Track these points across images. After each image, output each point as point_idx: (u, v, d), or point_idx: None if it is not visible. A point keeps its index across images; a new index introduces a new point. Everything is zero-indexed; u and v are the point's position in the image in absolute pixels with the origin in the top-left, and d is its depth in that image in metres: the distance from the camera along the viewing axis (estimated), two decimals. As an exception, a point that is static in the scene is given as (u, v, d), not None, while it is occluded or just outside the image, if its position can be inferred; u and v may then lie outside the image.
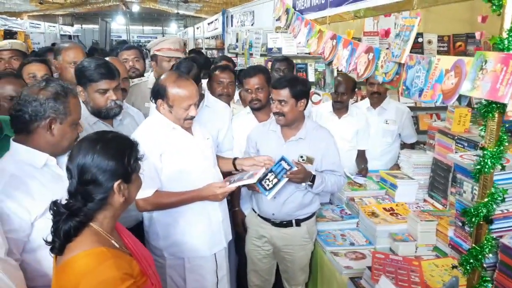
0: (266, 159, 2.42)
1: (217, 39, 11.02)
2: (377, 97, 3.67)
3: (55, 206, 1.39)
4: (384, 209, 2.72)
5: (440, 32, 4.93)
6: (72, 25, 24.54)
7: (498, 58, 1.33)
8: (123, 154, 1.43)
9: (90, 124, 2.37)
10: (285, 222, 2.61)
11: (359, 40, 4.08)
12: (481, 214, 1.49)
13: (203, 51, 10.23)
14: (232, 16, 8.80)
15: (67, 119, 1.76)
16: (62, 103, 1.74)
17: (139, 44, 18.93)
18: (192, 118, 2.28)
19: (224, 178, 2.45)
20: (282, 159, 2.38)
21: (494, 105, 1.39)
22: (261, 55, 5.55)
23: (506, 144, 1.43)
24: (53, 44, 5.12)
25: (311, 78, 4.78)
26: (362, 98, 4.26)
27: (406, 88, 1.86)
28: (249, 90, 2.92)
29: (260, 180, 2.37)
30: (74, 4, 16.87)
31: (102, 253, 1.34)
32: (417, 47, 4.70)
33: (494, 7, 1.39)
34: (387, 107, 3.71)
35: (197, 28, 14.82)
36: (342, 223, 2.79)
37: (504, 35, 1.34)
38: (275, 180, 2.35)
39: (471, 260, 1.54)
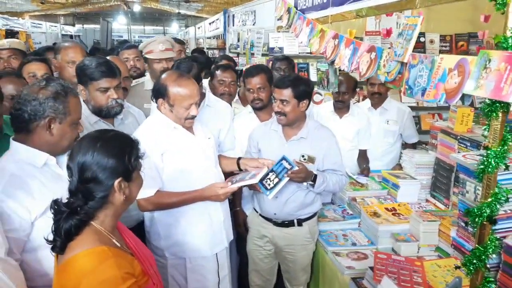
0: (270, 163, 2.41)
1: (218, 39, 11.02)
2: (377, 98, 3.66)
3: (56, 205, 1.39)
4: (386, 209, 2.71)
5: (442, 31, 4.92)
6: (73, 25, 24.57)
7: (502, 57, 1.31)
8: (123, 152, 1.43)
9: (91, 124, 2.37)
10: (286, 222, 2.60)
11: (361, 39, 4.08)
12: (485, 214, 1.48)
13: (204, 51, 10.22)
14: (233, 16, 8.80)
15: (67, 118, 1.75)
16: (62, 102, 1.73)
17: (141, 44, 18.86)
18: (193, 117, 2.28)
19: (225, 178, 2.45)
20: (283, 158, 2.37)
21: (498, 104, 1.38)
22: (263, 54, 5.55)
23: (510, 143, 1.41)
24: (54, 44, 5.11)
25: (313, 77, 4.77)
26: (364, 98, 4.25)
27: (408, 88, 1.85)
28: (251, 90, 2.91)
29: (261, 180, 2.36)
30: (75, 4, 16.90)
31: (103, 252, 1.33)
32: (419, 47, 4.69)
33: (498, 5, 1.38)
34: (388, 107, 3.70)
35: (199, 28, 14.83)
36: (344, 223, 2.78)
37: (508, 33, 1.33)
38: (276, 180, 2.34)
39: (474, 261, 1.53)
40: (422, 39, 4.77)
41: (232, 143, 2.94)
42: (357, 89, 3.76)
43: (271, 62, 4.52)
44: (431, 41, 4.88)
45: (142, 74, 3.72)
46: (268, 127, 2.68)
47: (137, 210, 2.44)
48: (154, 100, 2.32)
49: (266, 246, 2.68)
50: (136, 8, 21.02)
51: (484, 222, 1.50)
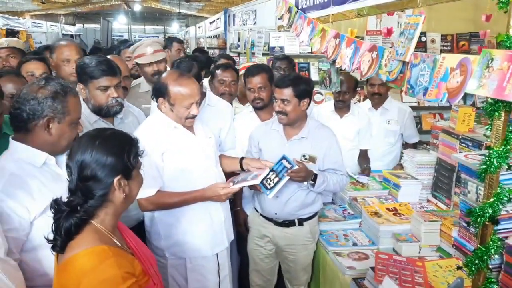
0: (272, 165, 2.40)
1: (219, 38, 11.00)
2: (377, 98, 3.66)
3: (56, 204, 1.39)
4: (387, 209, 2.70)
5: (444, 31, 4.91)
6: (74, 24, 24.53)
7: (505, 56, 1.30)
8: (122, 150, 1.43)
9: (90, 123, 2.36)
10: (287, 222, 2.59)
11: (362, 39, 4.06)
12: (487, 214, 1.47)
13: (206, 50, 10.20)
14: (234, 15, 8.79)
15: (66, 118, 1.75)
16: (61, 102, 1.72)
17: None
18: (193, 117, 2.27)
19: (226, 178, 2.44)
20: (283, 157, 2.36)
21: (500, 103, 1.37)
22: (263, 54, 5.53)
23: (513, 143, 1.41)
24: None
25: (314, 77, 4.77)
26: (365, 98, 4.25)
27: (410, 87, 1.84)
28: (252, 89, 2.91)
29: (261, 180, 2.35)
30: (76, 3, 16.90)
31: (103, 251, 1.33)
32: (420, 46, 4.68)
33: (500, 4, 1.37)
34: (389, 107, 3.70)
35: (199, 27, 14.81)
36: (345, 223, 2.77)
37: (511, 32, 1.32)
38: (276, 179, 2.33)
39: (476, 261, 1.52)
40: (423, 39, 4.77)
41: (233, 142, 2.93)
42: (358, 89, 3.74)
43: (271, 61, 4.51)
44: (432, 41, 4.87)
45: None
46: (269, 126, 2.67)
47: (137, 210, 2.43)
48: (154, 99, 2.31)
49: (267, 246, 2.68)
50: (137, 7, 21.02)
51: (486, 223, 1.49)
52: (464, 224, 2.12)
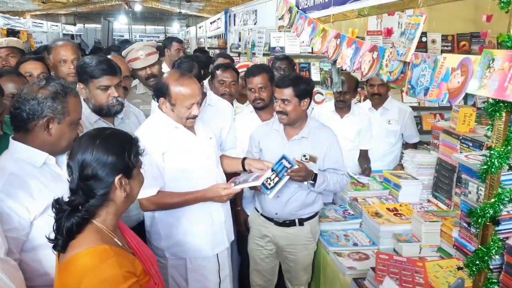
0: None
1: (219, 39, 10.99)
2: (377, 99, 3.66)
3: (57, 203, 1.39)
4: (388, 209, 2.70)
5: (444, 31, 4.91)
6: (74, 24, 24.53)
7: (506, 56, 1.30)
8: (123, 149, 1.43)
9: (91, 123, 2.35)
10: (288, 222, 2.59)
11: (362, 39, 4.06)
12: (488, 215, 1.47)
13: (207, 50, 10.19)
14: (234, 15, 8.78)
15: (66, 119, 1.74)
16: (61, 102, 1.72)
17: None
18: (194, 117, 2.27)
19: (227, 178, 2.44)
20: (283, 157, 2.36)
21: (501, 104, 1.37)
22: (264, 54, 5.53)
23: (514, 143, 1.40)
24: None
25: (314, 77, 4.77)
26: (365, 98, 4.24)
27: (411, 87, 1.84)
28: (252, 89, 2.91)
29: None
30: (76, 3, 16.90)
31: (104, 251, 1.33)
32: (421, 47, 4.68)
33: (502, 4, 1.37)
34: (390, 107, 3.70)
35: (200, 27, 14.81)
36: (345, 223, 2.77)
37: (513, 32, 1.32)
38: (276, 179, 2.33)
39: (477, 262, 1.52)
40: (423, 39, 4.76)
41: (233, 142, 2.93)
42: (358, 89, 3.74)
43: (271, 61, 4.51)
44: (433, 41, 4.87)
45: None
46: (270, 126, 2.67)
47: (137, 210, 2.44)
48: (155, 99, 2.31)
49: (267, 246, 2.68)
50: (137, 7, 21.04)
51: (487, 223, 1.49)
52: (465, 224, 2.11)
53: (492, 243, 1.50)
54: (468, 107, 2.63)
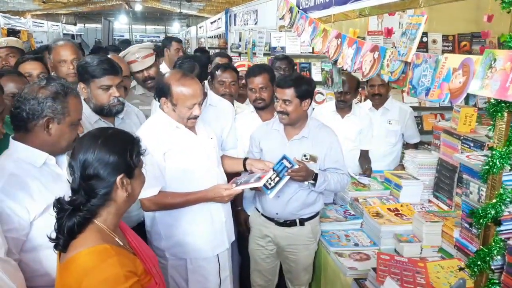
0: None
1: (220, 38, 10.99)
2: (378, 99, 3.66)
3: (58, 203, 1.39)
4: (389, 209, 2.70)
5: (445, 31, 4.91)
6: (75, 24, 24.54)
7: (508, 56, 1.30)
8: (124, 149, 1.43)
9: (91, 123, 2.35)
10: (289, 222, 2.59)
11: (363, 39, 4.06)
12: (489, 215, 1.47)
13: (207, 50, 10.18)
14: (235, 15, 8.78)
15: (65, 119, 1.74)
16: (61, 103, 1.72)
17: (142, 44, 18.82)
18: (195, 117, 2.26)
19: (228, 178, 2.44)
20: (284, 157, 2.36)
21: (503, 104, 1.37)
22: (265, 54, 5.53)
23: (516, 144, 1.40)
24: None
25: (315, 77, 4.76)
26: (366, 98, 4.24)
27: (412, 87, 1.84)
28: (253, 89, 2.90)
29: None
30: (77, 3, 16.90)
31: (105, 250, 1.33)
32: (422, 47, 4.68)
33: (504, 4, 1.37)
34: (390, 107, 3.69)
35: (200, 27, 14.80)
36: (346, 224, 2.76)
37: (514, 32, 1.32)
38: (277, 179, 2.32)
39: (479, 262, 1.52)
40: (424, 39, 4.76)
41: (234, 142, 2.93)
42: (359, 89, 3.73)
43: (271, 61, 4.51)
44: (434, 41, 4.86)
45: None
46: (270, 126, 2.67)
47: (137, 211, 2.44)
48: (157, 99, 2.31)
49: (268, 246, 2.67)
50: (138, 7, 21.01)
51: (489, 223, 1.49)
52: (466, 225, 2.11)
53: (493, 243, 1.50)
54: (469, 107, 2.63)
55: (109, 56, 2.76)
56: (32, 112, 1.69)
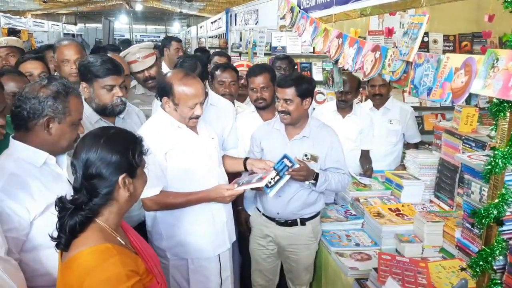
0: None
1: (220, 38, 10.98)
2: (379, 99, 3.66)
3: (60, 202, 1.39)
4: (390, 209, 2.70)
5: (446, 31, 4.91)
6: (75, 24, 24.54)
7: (510, 56, 1.29)
8: (127, 148, 1.43)
9: (92, 123, 2.34)
10: (289, 221, 2.58)
11: (364, 39, 4.06)
12: (492, 215, 1.46)
13: (208, 49, 10.17)
14: (235, 15, 8.77)
15: (66, 119, 1.74)
16: (62, 102, 1.71)
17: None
18: (197, 117, 2.26)
19: (229, 178, 2.43)
20: (285, 156, 2.36)
21: (506, 104, 1.36)
22: (265, 54, 5.52)
23: (518, 143, 1.39)
24: (57, 43, 5.12)
25: (316, 77, 4.76)
26: (367, 98, 4.24)
27: (414, 87, 1.83)
28: (254, 89, 2.90)
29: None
30: (77, 3, 16.89)
31: (107, 249, 1.32)
32: (423, 47, 4.68)
33: (506, 3, 1.36)
34: (391, 107, 3.69)
35: (201, 27, 14.79)
36: (347, 224, 2.76)
37: (517, 32, 1.31)
38: (277, 178, 2.32)
39: (481, 262, 1.51)
40: (425, 39, 4.76)
41: (235, 142, 2.92)
42: (360, 89, 3.73)
43: (272, 61, 4.51)
44: (435, 41, 4.86)
45: None
46: (271, 126, 2.67)
47: (139, 210, 2.44)
48: (158, 98, 2.31)
49: (269, 245, 2.67)
50: (138, 7, 21.01)
51: (491, 224, 1.48)
52: (468, 225, 2.11)
53: (496, 243, 1.49)
54: (470, 107, 2.63)
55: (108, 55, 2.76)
56: (32, 111, 1.68)
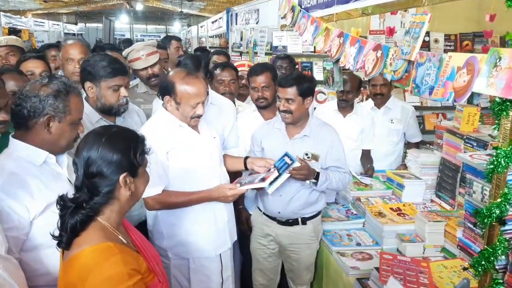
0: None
1: (221, 38, 10.97)
2: (380, 98, 3.66)
3: (61, 200, 1.38)
4: (391, 209, 2.69)
5: (447, 31, 4.90)
6: (76, 23, 24.54)
7: (514, 55, 1.29)
8: (128, 147, 1.42)
9: (92, 123, 2.33)
10: (291, 221, 2.58)
11: (365, 38, 4.05)
12: (494, 215, 1.45)
13: (207, 49, 10.15)
14: (236, 15, 8.76)
15: (66, 118, 1.73)
16: (62, 101, 1.71)
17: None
18: (199, 116, 2.26)
19: (230, 177, 2.42)
20: (286, 154, 2.35)
21: (508, 103, 1.36)
22: (266, 53, 5.51)
23: (521, 143, 1.39)
24: (58, 42, 5.10)
25: (317, 76, 4.75)
26: (367, 97, 4.24)
27: (416, 86, 1.82)
28: (256, 88, 2.89)
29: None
30: (78, 2, 16.90)
31: (109, 248, 1.32)
32: (424, 46, 4.66)
33: (509, 2, 1.36)
34: (392, 106, 3.69)
35: (201, 26, 14.78)
36: (348, 223, 2.76)
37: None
38: (277, 174, 2.32)
39: (483, 262, 1.50)
40: (426, 38, 4.75)
41: (235, 141, 2.92)
42: (361, 89, 3.73)
43: (272, 61, 4.50)
44: (436, 40, 4.86)
45: None
46: (271, 125, 2.66)
47: (139, 210, 2.43)
48: (160, 97, 2.30)
49: (270, 245, 2.67)
50: (139, 7, 21.02)
51: (493, 223, 1.47)
52: (470, 224, 2.10)
53: (498, 243, 1.48)
54: (472, 106, 2.62)
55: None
56: (33, 109, 1.68)
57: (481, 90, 1.41)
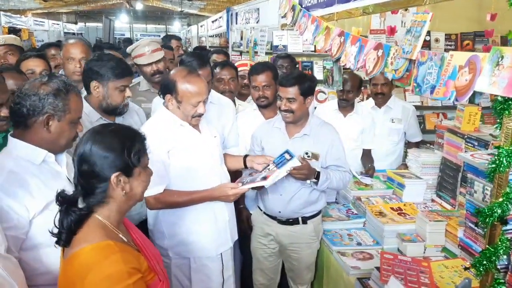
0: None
1: (221, 37, 10.96)
2: (381, 98, 3.65)
3: (60, 196, 1.37)
4: (392, 208, 2.68)
5: (448, 30, 4.89)
6: (75, 23, 24.55)
7: (516, 54, 1.28)
8: (122, 146, 1.40)
9: (91, 122, 2.33)
10: (291, 220, 2.57)
11: (366, 37, 4.05)
12: (496, 214, 1.45)
13: (207, 48, 10.14)
14: (236, 14, 8.75)
15: (66, 116, 1.72)
16: (62, 100, 1.71)
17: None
18: (200, 115, 2.25)
19: (230, 177, 2.42)
20: (286, 151, 2.34)
21: (510, 102, 1.35)
22: (266, 53, 5.50)
23: (523, 142, 1.38)
24: (58, 41, 5.10)
25: (317, 76, 4.75)
26: (368, 96, 4.23)
27: (417, 85, 1.82)
28: (256, 87, 2.89)
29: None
30: (78, 2, 16.90)
31: (109, 246, 1.31)
32: (425, 45, 4.60)
33: (511, 1, 1.35)
34: (393, 105, 3.69)
35: (201, 26, 14.77)
36: (349, 223, 2.75)
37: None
38: (275, 169, 2.30)
39: (485, 262, 1.50)
40: (427, 38, 4.74)
41: (236, 140, 2.91)
42: (362, 88, 3.72)
43: (273, 60, 4.49)
44: (437, 40, 4.85)
45: None
46: (271, 125, 2.66)
47: (139, 209, 2.43)
48: (161, 95, 2.30)
49: (270, 244, 2.66)
50: (139, 6, 21.02)
51: (495, 223, 1.47)
52: (471, 224, 2.10)
53: (499, 243, 1.48)
54: (473, 106, 2.61)
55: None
56: (32, 108, 1.67)
57: (483, 89, 1.41)
